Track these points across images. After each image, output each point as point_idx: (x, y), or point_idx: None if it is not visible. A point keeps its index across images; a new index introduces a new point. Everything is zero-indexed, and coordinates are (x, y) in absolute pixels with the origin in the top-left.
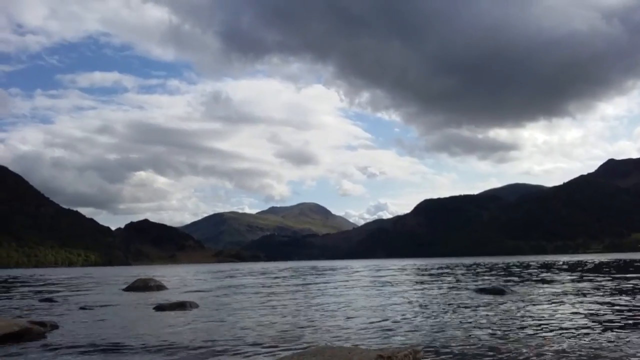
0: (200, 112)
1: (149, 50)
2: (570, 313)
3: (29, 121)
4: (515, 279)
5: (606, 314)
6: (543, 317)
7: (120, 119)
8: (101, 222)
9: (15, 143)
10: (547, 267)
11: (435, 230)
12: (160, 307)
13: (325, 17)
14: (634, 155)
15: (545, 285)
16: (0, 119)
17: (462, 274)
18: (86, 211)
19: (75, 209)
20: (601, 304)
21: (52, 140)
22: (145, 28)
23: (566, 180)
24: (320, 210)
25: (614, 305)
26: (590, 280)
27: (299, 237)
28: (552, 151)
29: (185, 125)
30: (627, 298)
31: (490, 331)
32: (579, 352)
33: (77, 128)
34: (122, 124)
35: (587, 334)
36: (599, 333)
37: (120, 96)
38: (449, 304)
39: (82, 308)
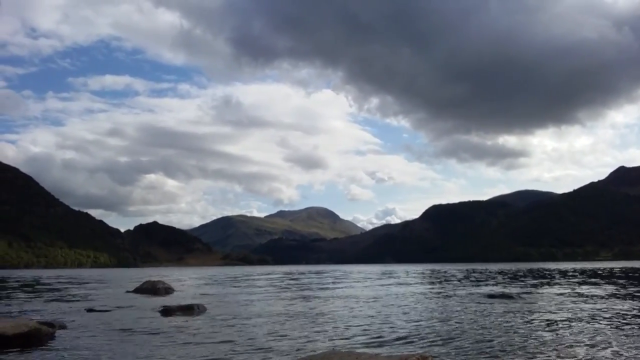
0: (210, 116)
1: (160, 55)
2: (579, 321)
3: (40, 123)
4: (524, 285)
5: (613, 322)
6: (552, 324)
7: (131, 122)
8: (111, 224)
9: (26, 145)
10: (556, 274)
11: (443, 235)
12: (167, 310)
13: (335, 24)
14: None
15: (554, 292)
16: (13, 120)
17: (471, 280)
18: (96, 213)
19: (85, 210)
20: (609, 311)
21: (63, 143)
22: (156, 32)
23: (576, 187)
24: (328, 215)
25: (620, 312)
26: (599, 288)
27: (307, 241)
28: (562, 158)
29: (195, 129)
30: (636, 306)
31: (499, 338)
32: None
33: (88, 130)
34: (132, 127)
35: (595, 342)
36: (607, 341)
37: (131, 99)
38: (458, 310)
39: (90, 309)
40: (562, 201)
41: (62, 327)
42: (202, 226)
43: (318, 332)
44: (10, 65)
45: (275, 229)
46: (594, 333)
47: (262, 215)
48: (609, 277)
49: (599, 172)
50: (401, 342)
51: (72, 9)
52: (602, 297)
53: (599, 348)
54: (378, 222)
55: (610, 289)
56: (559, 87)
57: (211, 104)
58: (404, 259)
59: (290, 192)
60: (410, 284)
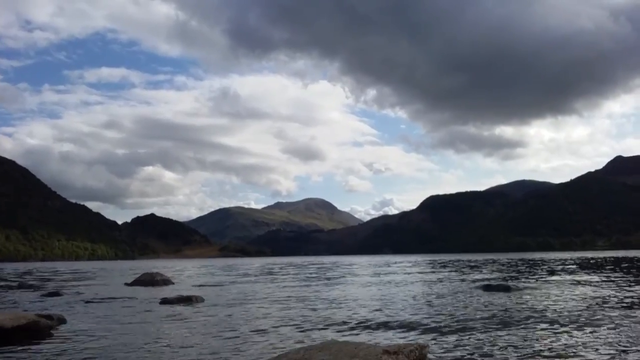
0: (207, 108)
1: (156, 47)
2: (575, 309)
3: (36, 116)
4: (522, 275)
5: (609, 311)
6: (546, 314)
7: (128, 114)
8: (108, 217)
9: (23, 137)
10: (553, 263)
11: (441, 226)
12: (166, 301)
13: (332, 15)
14: None
15: (551, 282)
16: (9, 113)
17: (468, 271)
18: (93, 205)
19: (82, 203)
20: (606, 300)
21: (59, 135)
22: (152, 24)
23: (573, 177)
24: (326, 206)
25: (617, 301)
26: (597, 277)
27: (304, 233)
28: (559, 148)
29: (192, 121)
30: (631, 294)
31: (496, 328)
32: (582, 347)
33: (85, 123)
34: (129, 119)
35: (591, 330)
36: (601, 329)
37: (127, 92)
38: (455, 301)
39: (88, 301)
40: (559, 191)
41: (61, 319)
42: (199, 218)
43: (317, 322)
44: (5, 58)
45: (273, 221)
46: (592, 324)
47: (259, 206)
48: (605, 266)
49: (596, 162)
50: (399, 332)
51: (67, 1)
52: (600, 287)
53: (598, 340)
54: (375, 213)
55: (607, 278)
56: (555, 78)
57: (208, 96)
58: (401, 249)
59: (287, 183)
60: (408, 274)
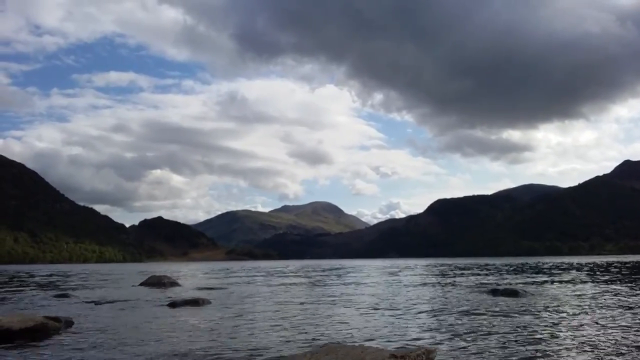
0: (215, 112)
1: (164, 51)
2: (584, 315)
3: (45, 119)
4: (529, 280)
5: (622, 320)
6: (556, 319)
7: (136, 117)
8: (116, 220)
9: (32, 141)
10: (561, 268)
11: (448, 230)
12: (173, 304)
13: (339, 19)
14: None
15: (559, 287)
16: (18, 117)
17: (476, 275)
18: (102, 208)
19: (90, 206)
20: (616, 308)
21: (68, 139)
22: (160, 29)
23: (581, 181)
24: (332, 209)
25: (630, 309)
26: (605, 283)
27: (311, 236)
28: (567, 152)
29: (200, 125)
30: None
31: (502, 333)
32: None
33: (93, 126)
34: (137, 123)
35: (601, 338)
36: (614, 340)
37: (135, 95)
38: (462, 305)
39: (96, 304)
40: (567, 195)
41: (69, 321)
42: (207, 221)
43: (322, 325)
44: (15, 62)
45: (280, 224)
46: (598, 329)
47: (266, 210)
48: (615, 271)
49: (604, 166)
50: (406, 335)
51: (76, 6)
52: (608, 292)
53: (603, 346)
54: (382, 217)
55: (616, 283)
56: (562, 82)
57: (216, 100)
58: (408, 253)
59: (294, 187)
60: (414, 278)
